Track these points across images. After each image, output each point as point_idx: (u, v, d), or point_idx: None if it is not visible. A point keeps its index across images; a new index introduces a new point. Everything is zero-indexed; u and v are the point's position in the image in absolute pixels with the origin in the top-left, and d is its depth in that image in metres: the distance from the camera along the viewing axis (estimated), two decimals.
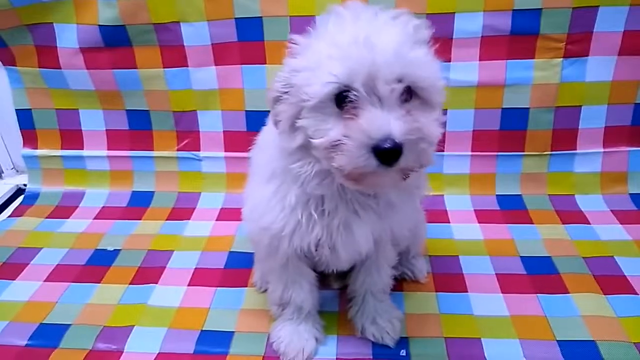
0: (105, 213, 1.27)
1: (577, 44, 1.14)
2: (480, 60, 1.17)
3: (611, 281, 0.95)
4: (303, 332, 0.83)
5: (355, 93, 0.57)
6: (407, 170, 0.59)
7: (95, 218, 1.25)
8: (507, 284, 0.96)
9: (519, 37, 1.14)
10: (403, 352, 0.82)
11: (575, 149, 1.22)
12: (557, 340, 0.83)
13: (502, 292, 0.94)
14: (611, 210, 1.17)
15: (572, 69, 1.16)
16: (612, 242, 1.06)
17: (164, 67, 1.24)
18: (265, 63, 1.21)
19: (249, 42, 1.19)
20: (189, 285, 1.00)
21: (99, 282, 1.02)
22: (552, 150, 1.23)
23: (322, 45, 0.60)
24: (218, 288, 0.98)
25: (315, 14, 1.14)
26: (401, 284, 0.96)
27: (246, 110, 1.26)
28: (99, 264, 1.07)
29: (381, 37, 0.57)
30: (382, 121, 0.56)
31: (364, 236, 0.72)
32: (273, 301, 0.86)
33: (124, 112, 1.31)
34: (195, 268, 1.05)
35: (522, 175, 1.24)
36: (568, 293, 0.93)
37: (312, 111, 0.60)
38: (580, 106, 1.19)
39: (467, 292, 0.95)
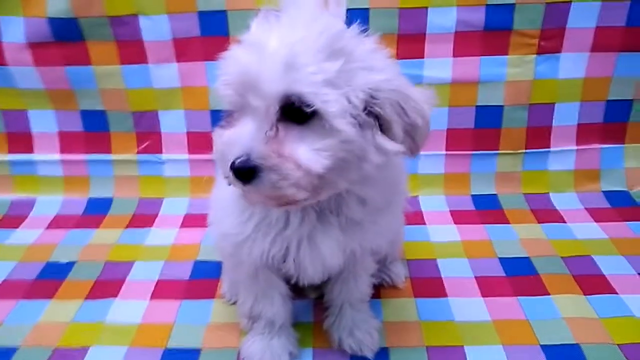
0: (58, 222, 1.20)
1: (550, 40, 1.14)
2: (453, 56, 1.15)
3: (591, 281, 0.94)
4: (276, 347, 0.78)
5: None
6: (276, 197, 0.55)
7: (47, 228, 1.18)
8: (486, 287, 0.94)
9: (493, 33, 1.13)
10: None
11: (549, 147, 1.22)
12: (541, 345, 0.81)
13: (483, 296, 0.92)
14: (585, 208, 1.18)
15: (546, 65, 1.16)
16: (589, 241, 1.06)
17: (120, 64, 1.18)
18: None
19: (212, 36, 1.15)
20: (151, 298, 0.94)
21: (50, 298, 0.94)
22: (526, 149, 1.22)
23: (238, 46, 0.58)
24: (183, 301, 0.93)
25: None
26: (378, 290, 0.93)
27: (211, 110, 1.22)
28: (50, 278, 1.00)
29: (276, 46, 0.52)
30: (241, 137, 0.54)
31: (329, 251, 0.67)
32: (243, 314, 0.81)
33: (78, 112, 1.24)
34: (158, 280, 0.99)
35: (496, 175, 1.24)
36: (548, 294, 0.91)
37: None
38: (554, 103, 1.19)
39: (447, 297, 0.92)
